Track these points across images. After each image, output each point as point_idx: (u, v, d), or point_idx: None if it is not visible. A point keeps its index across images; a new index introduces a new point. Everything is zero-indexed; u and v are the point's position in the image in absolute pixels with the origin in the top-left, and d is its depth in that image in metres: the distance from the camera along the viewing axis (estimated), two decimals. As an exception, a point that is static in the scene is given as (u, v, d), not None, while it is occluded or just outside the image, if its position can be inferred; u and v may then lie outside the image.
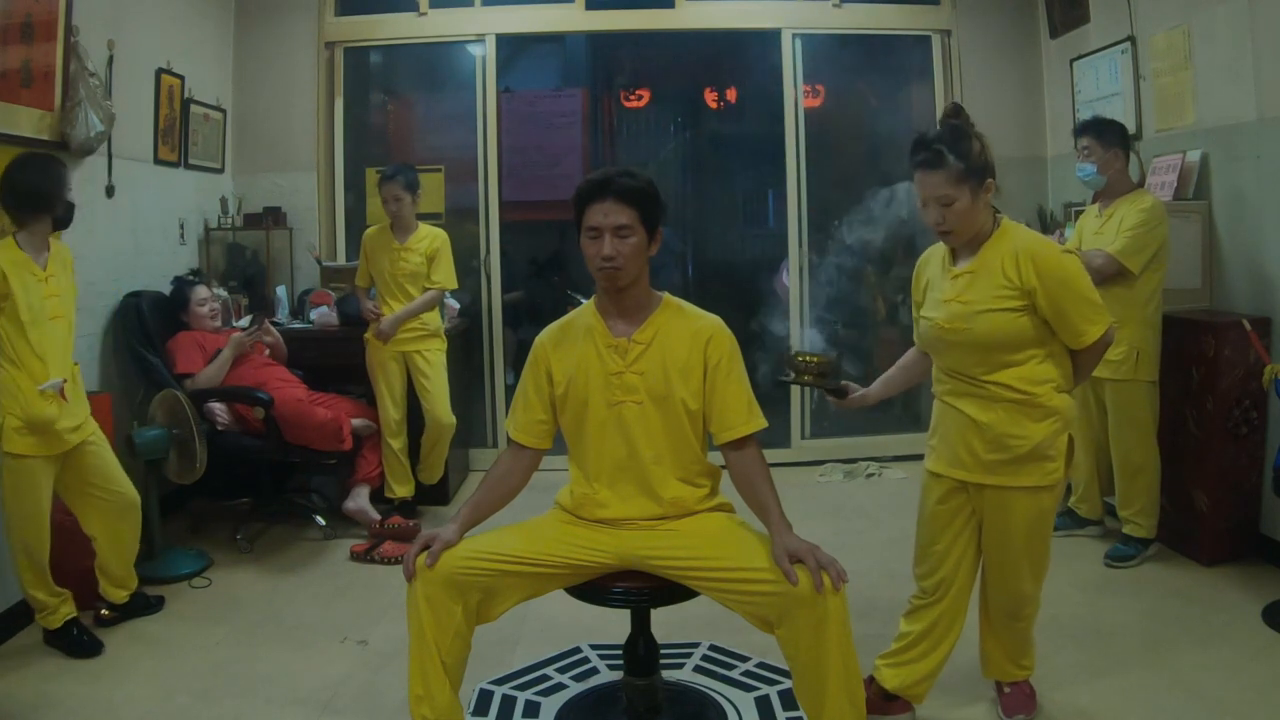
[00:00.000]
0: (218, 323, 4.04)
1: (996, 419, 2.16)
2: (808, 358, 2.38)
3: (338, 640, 2.97)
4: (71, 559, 2.99)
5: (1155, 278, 3.33)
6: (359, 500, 3.96)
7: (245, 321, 4.32)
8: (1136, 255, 3.26)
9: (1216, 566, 3.36)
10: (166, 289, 4.05)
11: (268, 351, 4.05)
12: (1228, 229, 3.62)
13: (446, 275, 4.08)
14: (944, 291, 2.24)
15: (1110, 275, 3.27)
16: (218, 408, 3.79)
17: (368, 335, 4.05)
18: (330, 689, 2.66)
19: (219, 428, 3.78)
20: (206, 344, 3.86)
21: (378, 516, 3.90)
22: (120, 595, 3.06)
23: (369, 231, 4.11)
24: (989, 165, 2.14)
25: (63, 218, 2.86)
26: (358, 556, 3.68)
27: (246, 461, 3.93)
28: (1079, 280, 2.13)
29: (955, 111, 2.26)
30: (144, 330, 3.80)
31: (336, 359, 4.23)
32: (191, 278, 4.14)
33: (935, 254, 2.34)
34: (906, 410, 5.34)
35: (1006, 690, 2.42)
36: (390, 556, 3.61)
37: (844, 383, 2.43)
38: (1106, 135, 3.39)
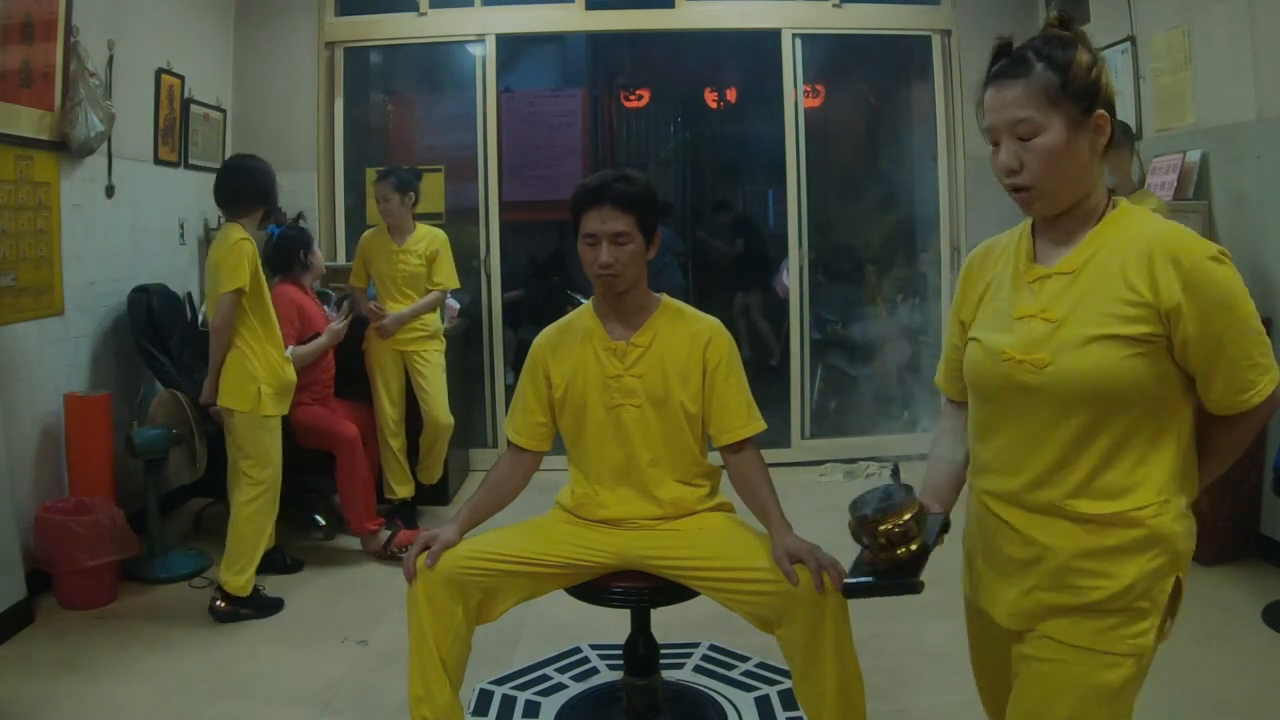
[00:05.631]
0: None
1: (1064, 541, 1.34)
2: (890, 523, 1.47)
3: (338, 640, 2.98)
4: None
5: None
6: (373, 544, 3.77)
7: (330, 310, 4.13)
8: None
9: (1216, 566, 3.35)
10: (168, 289, 4.03)
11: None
12: (1228, 229, 3.61)
13: (448, 275, 4.08)
14: (1019, 303, 1.39)
15: None
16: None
17: (366, 346, 4.03)
18: (330, 689, 2.66)
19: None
20: (306, 307, 3.73)
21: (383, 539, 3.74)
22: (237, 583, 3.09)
23: (366, 234, 4.10)
24: (1102, 91, 1.34)
25: (271, 210, 3.25)
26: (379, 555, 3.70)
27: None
28: (1245, 301, 1.31)
29: (1063, 21, 1.42)
30: (153, 326, 3.76)
31: (336, 358, 4.20)
32: (303, 223, 4.18)
33: (1001, 246, 1.50)
34: (907, 410, 5.34)
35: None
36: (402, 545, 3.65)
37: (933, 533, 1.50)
38: (1118, 136, 3.38)
